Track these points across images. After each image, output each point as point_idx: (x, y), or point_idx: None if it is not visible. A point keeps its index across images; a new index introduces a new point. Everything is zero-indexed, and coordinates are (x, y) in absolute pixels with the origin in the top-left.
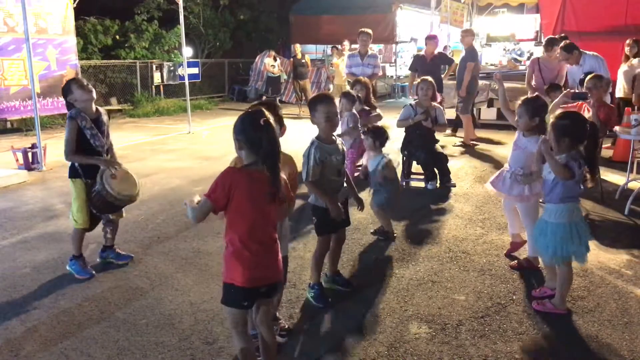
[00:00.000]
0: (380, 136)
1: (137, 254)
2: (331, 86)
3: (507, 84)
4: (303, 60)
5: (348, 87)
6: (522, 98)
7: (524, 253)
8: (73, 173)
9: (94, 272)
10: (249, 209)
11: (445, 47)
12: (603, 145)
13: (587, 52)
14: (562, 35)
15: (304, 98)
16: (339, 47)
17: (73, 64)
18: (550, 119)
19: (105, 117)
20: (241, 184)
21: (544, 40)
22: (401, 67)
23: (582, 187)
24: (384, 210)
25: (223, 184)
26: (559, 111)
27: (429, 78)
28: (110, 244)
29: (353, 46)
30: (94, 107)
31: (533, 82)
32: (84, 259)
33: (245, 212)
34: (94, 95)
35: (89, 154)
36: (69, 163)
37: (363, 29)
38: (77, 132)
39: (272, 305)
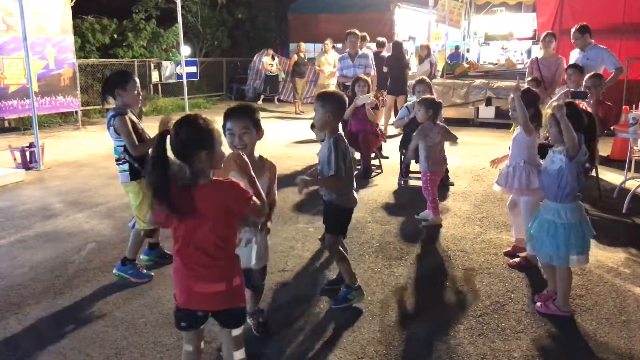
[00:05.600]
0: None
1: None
2: None
3: (505, 82)
4: (305, 60)
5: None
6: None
7: (522, 251)
8: (134, 174)
9: (152, 273)
10: (174, 224)
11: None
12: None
13: (599, 45)
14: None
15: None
16: (323, 47)
17: (71, 62)
18: (547, 112)
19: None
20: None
21: (541, 37)
22: None
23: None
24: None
25: None
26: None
27: (427, 79)
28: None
29: (337, 45)
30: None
31: None
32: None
33: (173, 227)
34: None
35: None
36: (122, 167)
37: (351, 30)
38: (133, 124)
39: (229, 337)
